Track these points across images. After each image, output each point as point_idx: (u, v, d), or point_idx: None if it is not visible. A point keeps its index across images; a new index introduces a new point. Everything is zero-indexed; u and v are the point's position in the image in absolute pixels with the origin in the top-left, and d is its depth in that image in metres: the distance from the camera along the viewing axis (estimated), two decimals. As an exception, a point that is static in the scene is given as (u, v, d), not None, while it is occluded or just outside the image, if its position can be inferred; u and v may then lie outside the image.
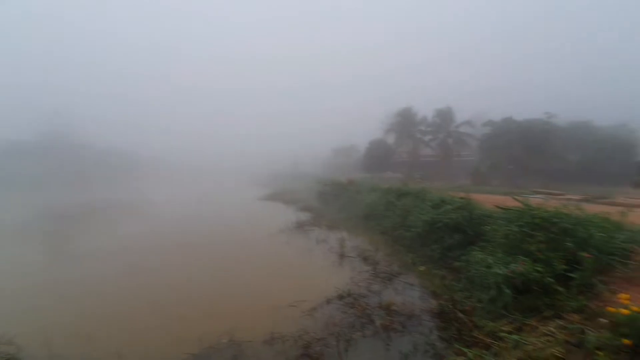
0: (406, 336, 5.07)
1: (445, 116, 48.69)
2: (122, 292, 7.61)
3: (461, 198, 9.80)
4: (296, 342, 4.94)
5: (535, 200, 7.38)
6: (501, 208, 7.01)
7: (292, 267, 9.46)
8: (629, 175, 19.95)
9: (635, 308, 3.31)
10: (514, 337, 3.82)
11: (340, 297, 6.62)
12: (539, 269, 4.62)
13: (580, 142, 38.02)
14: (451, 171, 46.33)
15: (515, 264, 4.91)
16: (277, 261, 10.03)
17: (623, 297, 3.59)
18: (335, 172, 55.95)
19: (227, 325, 5.37)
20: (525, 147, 34.91)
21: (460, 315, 4.98)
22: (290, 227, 14.97)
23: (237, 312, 6.18)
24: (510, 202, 6.97)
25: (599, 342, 3.23)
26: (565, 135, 38.14)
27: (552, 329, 3.78)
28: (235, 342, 4.98)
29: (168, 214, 22.03)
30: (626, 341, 3.09)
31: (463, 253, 7.18)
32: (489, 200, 10.95)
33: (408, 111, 51.66)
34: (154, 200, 31.75)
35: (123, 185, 50.44)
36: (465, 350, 3.72)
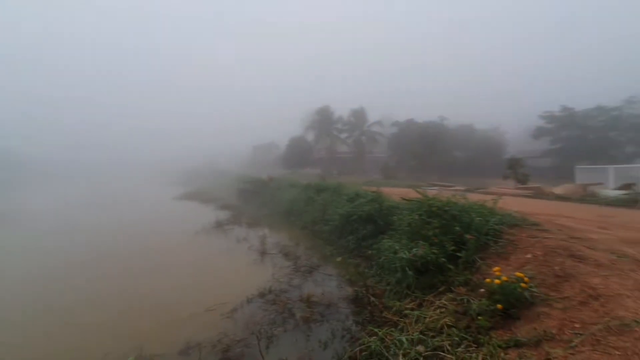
0: (325, 325, 5.28)
1: (359, 116, 51.82)
2: (13, 306, 6.21)
3: (373, 192, 10.61)
4: (214, 348, 4.71)
5: (432, 191, 8.40)
6: (405, 200, 7.79)
7: (210, 269, 8.98)
8: (500, 169, 24.20)
9: (505, 278, 4.03)
10: (416, 312, 4.31)
11: (262, 295, 6.55)
12: (434, 251, 5.29)
13: (465, 142, 44.64)
14: (364, 167, 49.63)
15: (417, 248, 5.53)
16: (194, 264, 9.40)
17: (496, 269, 4.34)
18: (256, 169, 54.96)
19: (137, 340, 4.83)
20: (424, 145, 39.44)
21: (373, 299, 5.40)
22: (208, 227, 14.17)
23: (149, 324, 5.61)
24: (412, 194, 7.78)
25: (480, 309, 3.86)
26: (454, 135, 44.34)
27: (445, 301, 4.38)
28: (144, 358, 4.52)
29: (61, 223, 18.67)
30: (499, 306, 3.75)
31: (375, 242, 7.80)
32: (396, 192, 12.06)
33: (326, 110, 53.45)
34: (38, 207, 26.53)
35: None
36: (377, 330, 4.05)
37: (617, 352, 2.41)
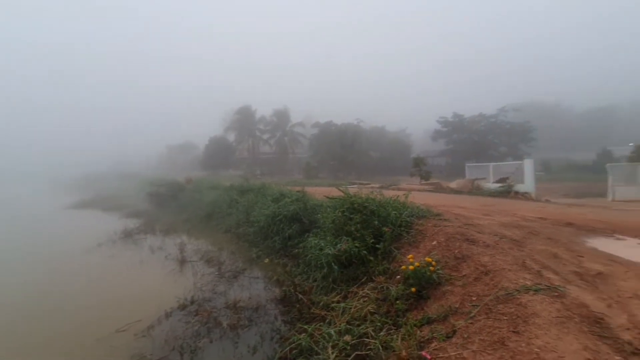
0: (254, 329, 5.13)
1: (282, 116, 51.83)
2: None
3: (298, 191, 10.71)
4: (128, 372, 4.17)
5: (352, 189, 8.86)
6: (329, 198, 8.06)
7: (120, 284, 7.92)
8: (408, 167, 26.91)
9: (417, 264, 4.47)
10: (342, 304, 4.48)
11: (183, 307, 6.03)
12: (357, 245, 5.59)
13: (378, 143, 48.34)
14: (287, 167, 49.88)
15: (341, 243, 5.76)
16: (99, 281, 8.17)
17: (410, 257, 4.79)
18: (171, 171, 50.41)
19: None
20: (343, 145, 41.47)
21: (301, 296, 5.44)
22: (114, 238, 12.46)
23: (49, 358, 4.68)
24: (334, 192, 8.09)
25: (397, 294, 4.20)
26: (369, 137, 47.66)
27: (367, 291, 4.65)
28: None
29: None
30: (413, 289, 4.13)
31: (301, 241, 7.89)
32: (319, 191, 12.40)
33: (247, 110, 52.07)
34: None
35: None
36: (306, 327, 4.09)
37: (505, 318, 2.88)
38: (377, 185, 18.43)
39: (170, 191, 23.06)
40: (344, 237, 5.92)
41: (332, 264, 5.50)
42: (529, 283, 3.36)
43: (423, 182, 19.19)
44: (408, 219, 6.54)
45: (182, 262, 9.24)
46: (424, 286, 4.14)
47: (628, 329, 2.58)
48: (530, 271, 3.75)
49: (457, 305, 3.47)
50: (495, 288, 3.43)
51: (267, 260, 8.03)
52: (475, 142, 42.87)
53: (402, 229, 6.25)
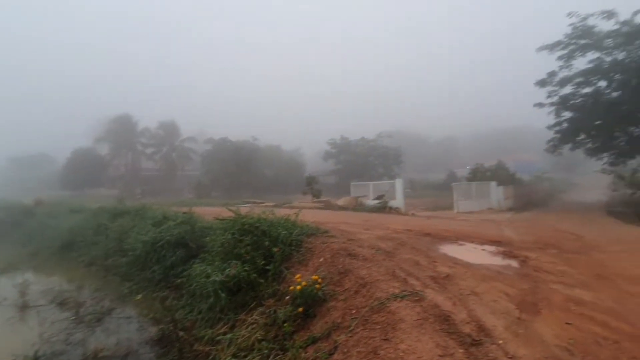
0: (121, 381, 4.27)
1: (169, 129, 47.23)
2: None
3: (184, 213, 9.73)
4: None
5: (244, 209, 8.57)
6: (219, 219, 7.56)
7: None
8: (301, 185, 27.86)
9: (304, 283, 4.53)
10: (228, 336, 4.17)
11: (18, 369, 4.60)
12: (246, 268, 5.35)
13: (273, 161, 48.97)
14: (176, 185, 45.38)
15: (230, 268, 5.42)
16: None
17: (297, 277, 4.83)
18: (18, 190, 39.37)
19: None
20: (238, 163, 40.37)
21: (181, 333, 4.83)
22: None
23: None
24: (226, 212, 7.66)
25: (285, 316, 4.15)
26: (265, 155, 47.83)
27: (256, 317, 4.46)
28: None
29: None
30: (300, 309, 4.15)
31: (186, 268, 7.09)
32: (210, 212, 11.56)
33: (126, 119, 45.66)
34: None
35: None
36: (186, 368, 3.63)
37: (378, 327, 3.14)
38: (271, 204, 18.44)
39: (11, 217, 17.98)
40: (234, 261, 5.60)
41: (220, 291, 5.10)
42: (397, 291, 3.78)
43: (314, 200, 20.13)
44: (298, 238, 6.63)
45: (24, 307, 7.18)
46: (310, 305, 4.21)
47: (468, 322, 3.13)
48: (398, 279, 4.24)
49: (339, 321, 3.62)
50: (371, 299, 3.74)
51: (138, 297, 6.82)
52: (358, 163, 47.76)
53: (293, 248, 6.29)
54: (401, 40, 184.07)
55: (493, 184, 19.29)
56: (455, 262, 5.36)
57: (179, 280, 6.69)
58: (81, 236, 12.24)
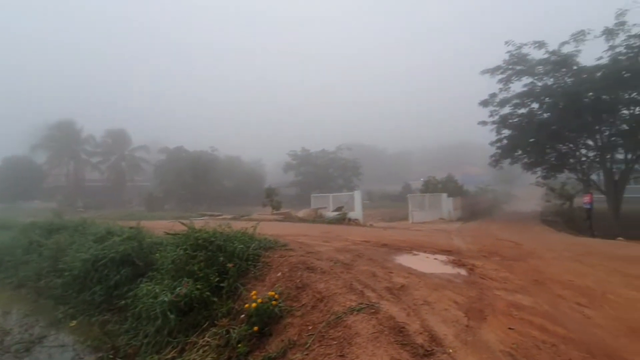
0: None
1: (118, 138, 44.19)
2: None
3: (131, 227, 9.01)
4: None
5: (200, 222, 8.14)
6: (170, 234, 7.10)
7: None
8: (261, 197, 27.36)
9: (260, 300, 4.36)
10: (177, 361, 3.85)
11: None
12: (199, 286, 5.03)
13: (233, 172, 47.73)
14: (125, 197, 42.25)
15: (180, 287, 5.06)
16: None
17: (253, 294, 4.63)
18: None
19: None
20: (195, 174, 38.70)
21: (124, 361, 4.38)
22: None
23: None
24: (179, 226, 7.21)
25: (239, 336, 3.94)
26: (223, 166, 46.48)
27: (207, 338, 4.19)
28: None
29: None
30: (256, 328, 3.96)
31: (132, 288, 6.50)
32: (161, 226, 10.85)
33: (69, 125, 41.98)
34: None
35: None
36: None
37: (334, 342, 3.09)
38: (229, 217, 17.81)
39: None
40: (185, 279, 5.25)
41: (168, 312, 4.73)
42: (354, 304, 3.77)
43: (274, 212, 19.82)
44: (256, 252, 6.43)
45: None
46: (267, 323, 4.04)
47: (421, 333, 3.19)
48: (355, 292, 4.24)
49: (295, 338, 3.51)
50: (328, 314, 3.68)
51: (74, 323, 6.08)
52: (319, 174, 48.19)
53: (249, 263, 6.07)
54: (361, 57, 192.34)
55: (444, 195, 20.50)
56: (409, 272, 5.52)
57: (123, 302, 6.11)
58: (9, 255, 10.81)
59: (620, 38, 18.00)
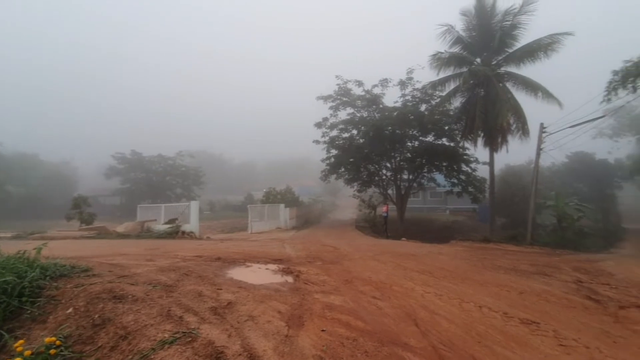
0: None
1: None
2: None
3: None
4: None
5: None
6: None
7: None
8: (67, 208, 21.14)
9: (28, 352, 3.13)
10: None
11: None
12: None
13: (26, 175, 35.37)
14: None
15: None
16: None
17: (18, 345, 3.30)
18: None
19: None
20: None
21: None
22: None
23: None
24: None
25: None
26: (10, 165, 33.80)
27: None
28: None
29: None
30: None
31: None
32: None
33: None
34: None
35: None
36: None
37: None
38: (9, 235, 12.79)
39: None
40: None
41: None
42: (167, 335, 3.23)
43: (83, 226, 15.61)
44: (37, 284, 4.73)
45: None
46: (38, 383, 2.93)
47: (240, 354, 3.02)
48: (172, 319, 3.68)
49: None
50: (131, 354, 3.00)
51: None
52: (153, 182, 41.99)
53: (25, 299, 4.39)
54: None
55: (282, 205, 21.74)
56: (240, 285, 5.35)
57: None
58: None
59: (409, 89, 24.50)
